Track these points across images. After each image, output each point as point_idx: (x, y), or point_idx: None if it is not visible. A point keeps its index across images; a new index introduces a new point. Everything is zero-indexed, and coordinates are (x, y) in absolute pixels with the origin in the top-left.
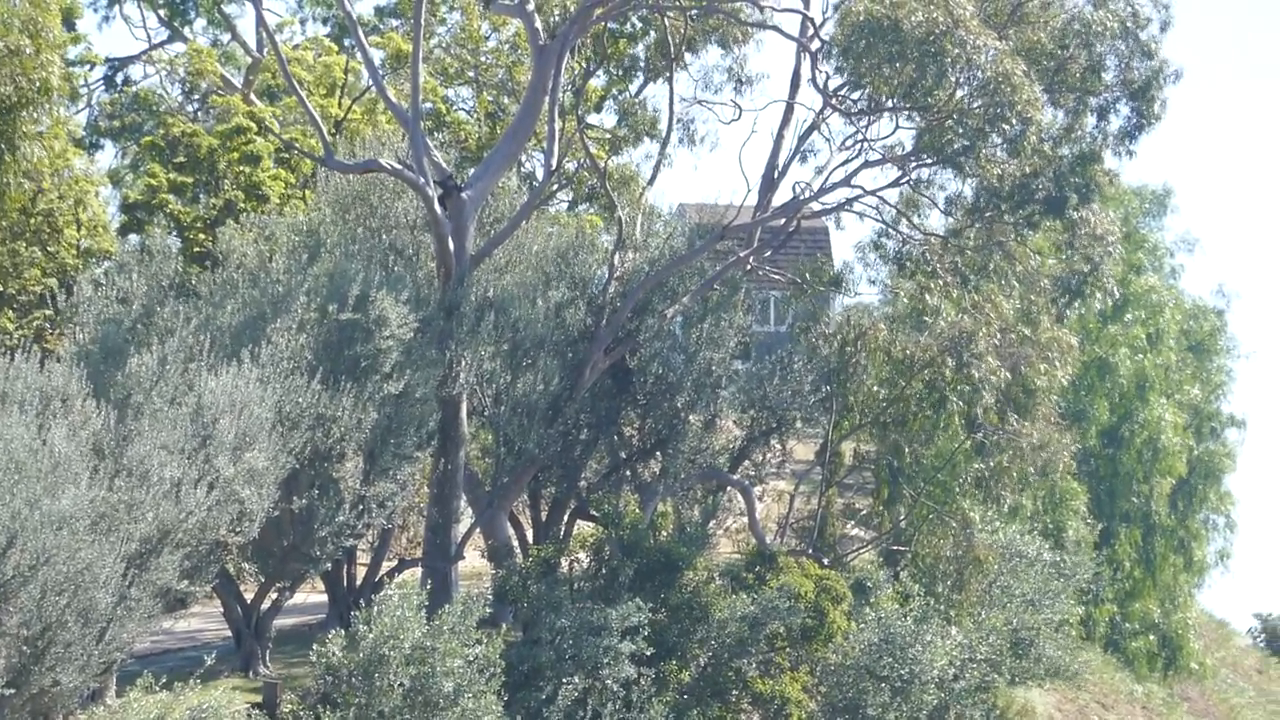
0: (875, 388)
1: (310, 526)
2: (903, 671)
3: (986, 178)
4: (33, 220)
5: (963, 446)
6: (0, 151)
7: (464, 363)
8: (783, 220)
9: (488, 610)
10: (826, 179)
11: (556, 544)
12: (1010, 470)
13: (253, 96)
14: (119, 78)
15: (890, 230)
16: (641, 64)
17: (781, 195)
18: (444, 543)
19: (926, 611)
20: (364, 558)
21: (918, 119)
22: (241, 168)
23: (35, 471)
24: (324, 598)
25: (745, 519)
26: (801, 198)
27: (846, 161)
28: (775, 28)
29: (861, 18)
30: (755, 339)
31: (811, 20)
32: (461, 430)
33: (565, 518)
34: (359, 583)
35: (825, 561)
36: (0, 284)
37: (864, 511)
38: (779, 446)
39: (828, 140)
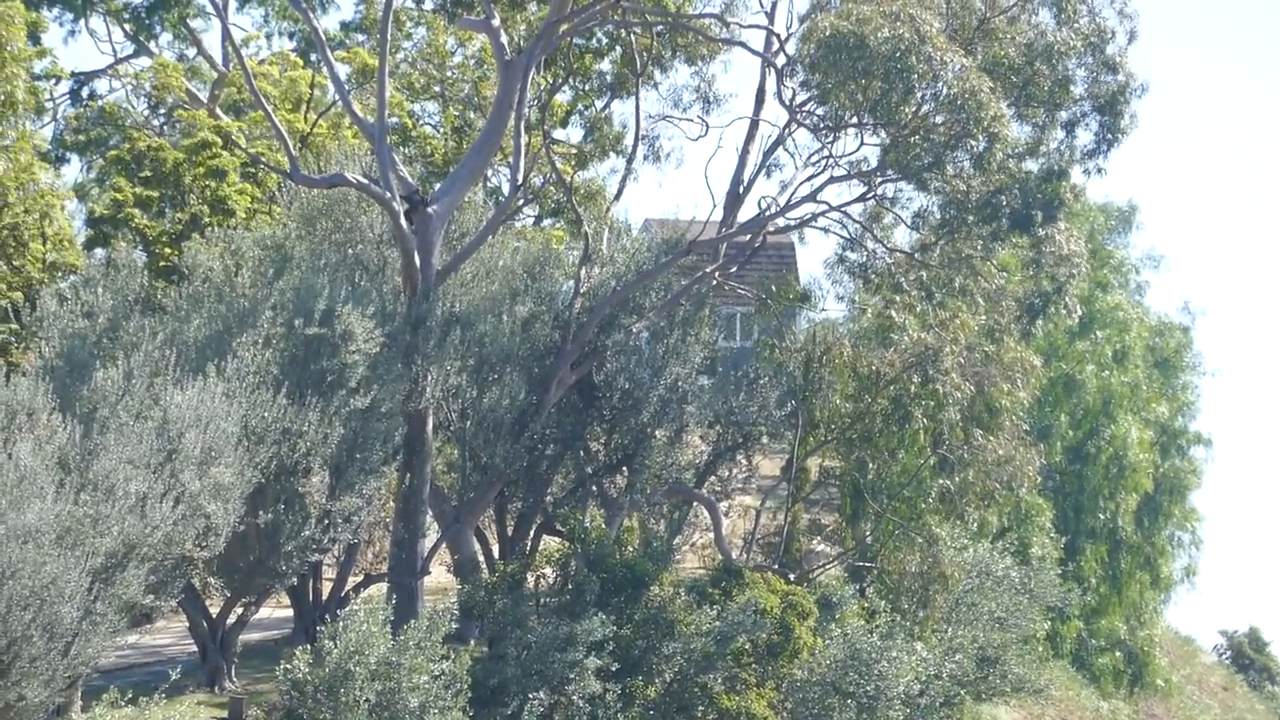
0: (840, 403)
1: (276, 541)
2: (869, 688)
3: (952, 194)
4: None
5: (928, 462)
6: None
7: (430, 377)
8: (748, 236)
9: (453, 626)
10: (792, 194)
11: (522, 559)
12: (975, 486)
13: (218, 111)
14: (84, 92)
15: (855, 245)
16: (608, 79)
17: (747, 211)
18: (410, 558)
19: (892, 628)
20: (329, 573)
21: (883, 135)
22: (207, 182)
23: (1, 486)
24: (290, 613)
25: (711, 534)
26: (767, 213)
27: (812, 177)
28: (741, 44)
29: (828, 34)
30: (721, 354)
31: (777, 35)
32: (427, 445)
33: (531, 533)
34: (325, 598)
35: (791, 577)
36: None
37: (829, 527)
38: (745, 462)
39: (793, 156)
